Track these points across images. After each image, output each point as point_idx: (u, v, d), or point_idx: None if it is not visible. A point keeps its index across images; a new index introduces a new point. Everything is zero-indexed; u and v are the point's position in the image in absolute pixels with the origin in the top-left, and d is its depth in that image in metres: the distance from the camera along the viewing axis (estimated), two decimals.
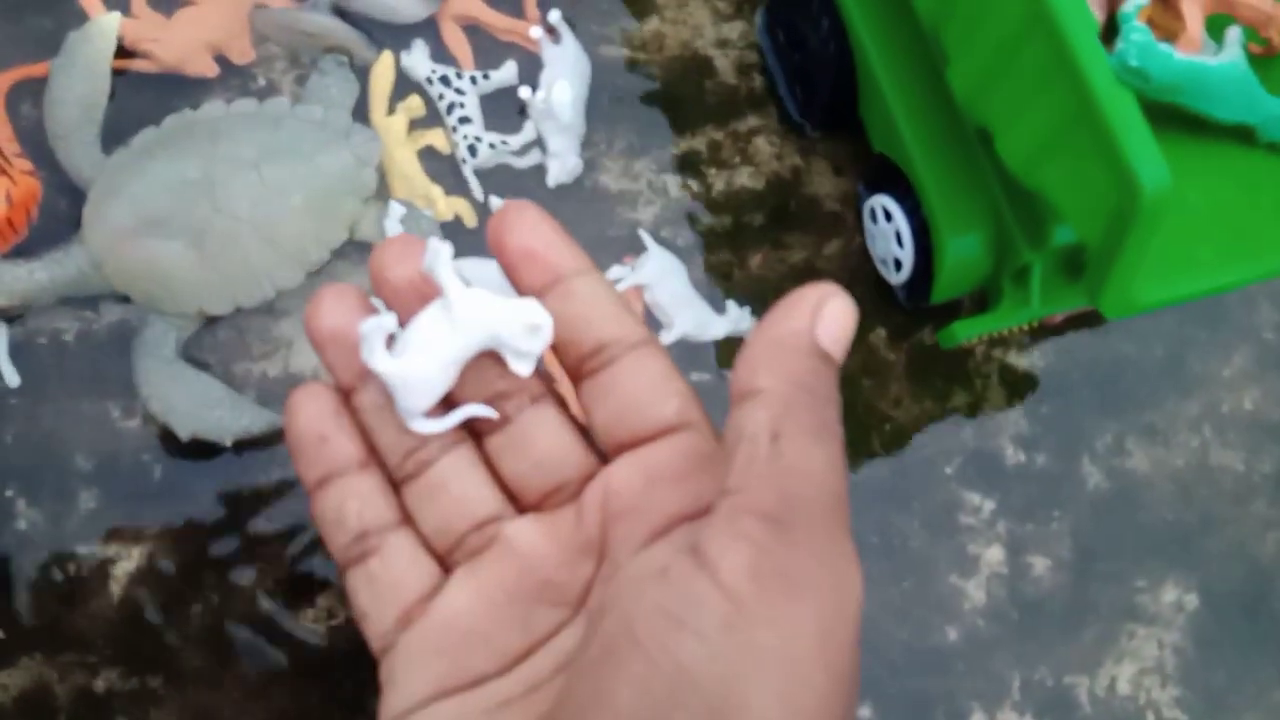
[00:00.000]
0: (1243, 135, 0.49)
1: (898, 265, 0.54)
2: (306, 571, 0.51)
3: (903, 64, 0.52)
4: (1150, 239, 0.38)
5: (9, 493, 0.49)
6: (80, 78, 0.51)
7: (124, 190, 0.49)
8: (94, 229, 0.49)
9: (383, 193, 0.53)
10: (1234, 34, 0.46)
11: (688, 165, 0.58)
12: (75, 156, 0.50)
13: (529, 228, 0.32)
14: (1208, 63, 0.46)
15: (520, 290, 0.32)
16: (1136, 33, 0.42)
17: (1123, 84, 0.39)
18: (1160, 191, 0.37)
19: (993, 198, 0.51)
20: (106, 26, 0.52)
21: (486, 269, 0.53)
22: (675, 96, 0.59)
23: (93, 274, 0.49)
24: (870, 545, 0.55)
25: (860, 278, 0.58)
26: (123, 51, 0.53)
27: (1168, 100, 0.45)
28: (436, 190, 0.54)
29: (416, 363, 0.31)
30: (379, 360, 0.31)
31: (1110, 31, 0.46)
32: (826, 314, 0.29)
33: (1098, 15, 0.47)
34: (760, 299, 0.57)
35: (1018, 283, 0.51)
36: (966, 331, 0.52)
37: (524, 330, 0.31)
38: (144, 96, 0.54)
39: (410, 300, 0.32)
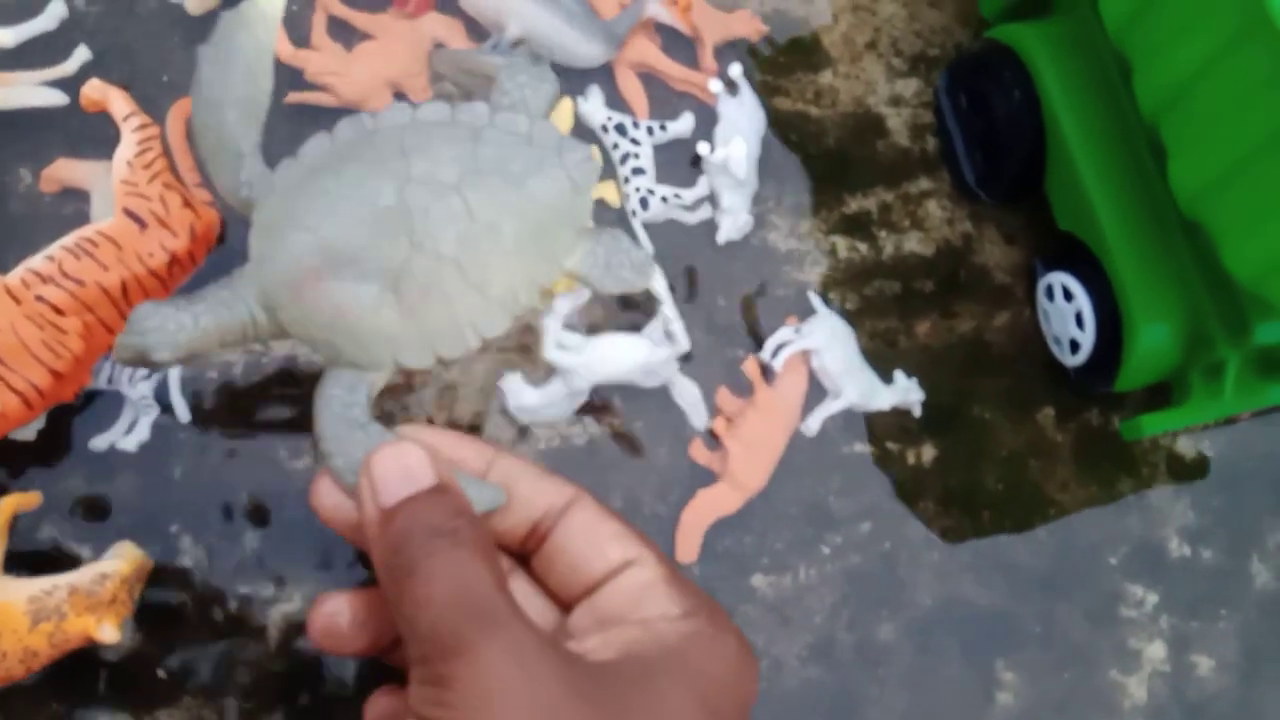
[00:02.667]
0: None
1: (1074, 347, 0.53)
2: None
3: (1101, 145, 0.50)
4: None
5: (174, 528, 0.49)
6: (238, 73, 0.40)
7: (304, 218, 0.38)
8: (268, 266, 0.39)
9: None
10: None
11: (857, 226, 0.57)
12: (230, 171, 0.40)
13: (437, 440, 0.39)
14: None
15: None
16: None
17: None
18: None
19: (1191, 289, 0.49)
20: (268, 8, 0.42)
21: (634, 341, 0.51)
22: (846, 154, 0.58)
23: (264, 320, 0.39)
24: (1032, 634, 0.53)
25: (1028, 352, 0.56)
26: (302, 84, 0.52)
27: None
28: None
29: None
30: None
31: None
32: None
33: None
34: (927, 369, 0.55)
35: (1209, 377, 0.49)
36: (1154, 426, 0.50)
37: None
38: (320, 129, 0.53)
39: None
